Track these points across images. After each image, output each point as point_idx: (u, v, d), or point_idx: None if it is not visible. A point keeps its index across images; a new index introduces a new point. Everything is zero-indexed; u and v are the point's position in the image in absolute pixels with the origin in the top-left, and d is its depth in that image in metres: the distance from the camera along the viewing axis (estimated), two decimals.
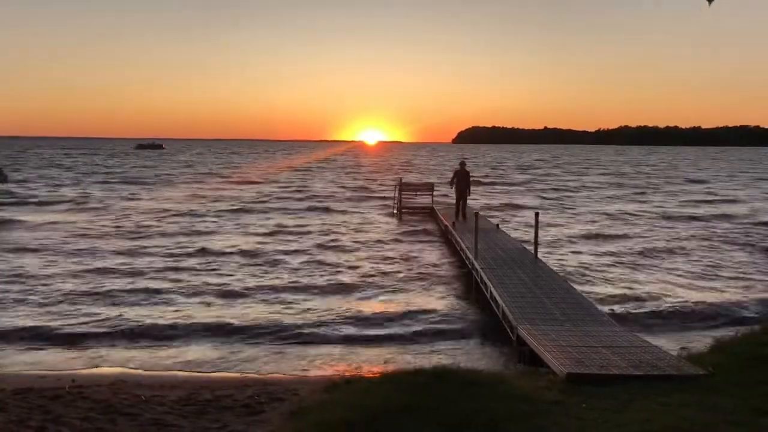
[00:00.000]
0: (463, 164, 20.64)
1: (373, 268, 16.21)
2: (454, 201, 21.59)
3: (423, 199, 27.86)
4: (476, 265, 12.97)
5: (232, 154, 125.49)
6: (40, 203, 31.24)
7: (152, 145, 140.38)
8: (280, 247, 19.00)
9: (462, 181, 20.37)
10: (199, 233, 21.68)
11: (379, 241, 20.51)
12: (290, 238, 21.08)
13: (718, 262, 17.41)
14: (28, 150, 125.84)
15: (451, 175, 21.52)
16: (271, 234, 21.89)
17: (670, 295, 13.31)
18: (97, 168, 65.27)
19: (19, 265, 15.94)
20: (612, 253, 18.44)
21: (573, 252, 18.71)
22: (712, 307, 12.46)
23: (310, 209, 30.02)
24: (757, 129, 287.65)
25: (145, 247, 18.66)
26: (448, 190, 24.49)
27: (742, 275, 15.64)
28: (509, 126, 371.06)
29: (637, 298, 13.05)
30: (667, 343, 9.63)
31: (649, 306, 12.46)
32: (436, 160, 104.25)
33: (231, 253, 17.98)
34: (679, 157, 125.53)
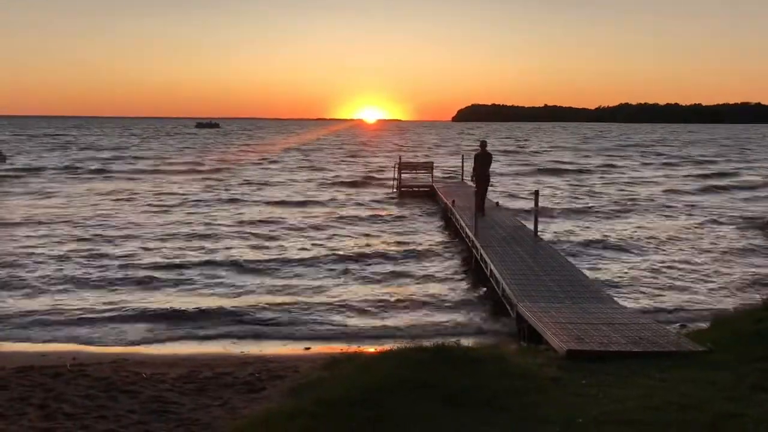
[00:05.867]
0: (484, 145, 16.71)
1: (371, 246, 16.21)
2: (454, 182, 19.26)
3: (423, 178, 27.74)
4: (476, 243, 12.96)
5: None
6: None
7: (209, 124, 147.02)
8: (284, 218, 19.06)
9: (485, 166, 16.55)
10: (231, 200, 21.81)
11: (377, 219, 20.49)
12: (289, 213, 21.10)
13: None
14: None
15: (471, 162, 17.41)
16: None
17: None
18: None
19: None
20: None
21: None
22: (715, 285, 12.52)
23: (316, 187, 30.01)
24: (758, 106, 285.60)
25: None
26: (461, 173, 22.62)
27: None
28: (509, 104, 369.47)
29: None
30: (667, 320, 9.66)
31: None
32: (442, 138, 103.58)
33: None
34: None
